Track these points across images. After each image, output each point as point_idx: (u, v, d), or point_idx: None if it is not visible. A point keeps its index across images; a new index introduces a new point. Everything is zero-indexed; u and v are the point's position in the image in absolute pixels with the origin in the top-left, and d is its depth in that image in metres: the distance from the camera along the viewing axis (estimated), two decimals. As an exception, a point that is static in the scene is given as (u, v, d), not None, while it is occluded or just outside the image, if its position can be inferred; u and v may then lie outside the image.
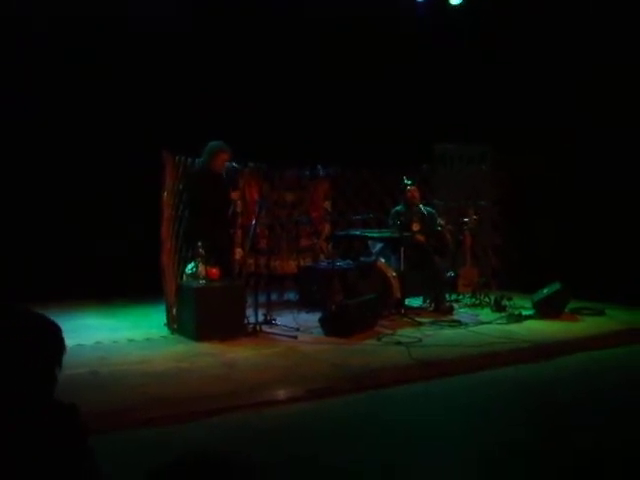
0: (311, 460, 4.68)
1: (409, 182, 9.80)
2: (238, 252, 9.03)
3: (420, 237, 9.55)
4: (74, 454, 2.06)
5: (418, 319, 8.81)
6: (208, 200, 8.19)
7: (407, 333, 8.09)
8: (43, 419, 2.04)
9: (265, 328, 8.16)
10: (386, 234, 9.69)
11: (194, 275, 8.15)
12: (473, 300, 10.10)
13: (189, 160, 8.78)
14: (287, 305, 9.70)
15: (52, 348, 2.14)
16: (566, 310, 9.26)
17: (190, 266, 8.39)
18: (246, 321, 8.11)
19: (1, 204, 9.48)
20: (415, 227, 9.54)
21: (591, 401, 6.00)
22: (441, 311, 9.40)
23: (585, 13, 10.04)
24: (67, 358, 2.22)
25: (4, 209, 9.46)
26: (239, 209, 9.55)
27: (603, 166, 10.10)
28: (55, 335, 2.16)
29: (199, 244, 8.13)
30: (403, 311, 8.98)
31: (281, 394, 5.99)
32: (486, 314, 9.38)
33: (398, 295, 9.12)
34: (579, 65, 10.31)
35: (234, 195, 8.40)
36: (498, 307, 9.48)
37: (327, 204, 11.10)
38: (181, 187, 8.62)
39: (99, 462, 2.14)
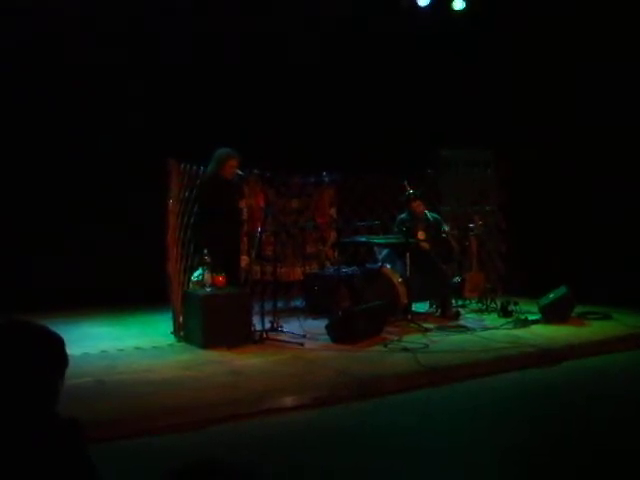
0: (317, 468, 4.67)
1: (412, 193, 9.72)
2: (244, 259, 9.04)
3: (425, 245, 9.54)
4: (75, 469, 2.05)
5: (424, 325, 8.80)
6: (219, 207, 8.22)
7: (414, 339, 8.07)
8: (44, 434, 2.03)
9: (272, 335, 8.15)
10: (392, 240, 9.68)
11: (200, 283, 8.17)
12: (479, 305, 10.08)
13: (194, 168, 8.80)
14: (293, 312, 9.68)
15: (54, 362, 2.12)
16: (573, 314, 9.23)
17: (196, 273, 8.40)
18: (253, 328, 8.11)
19: (5, 212, 9.50)
20: (421, 235, 9.51)
21: (598, 406, 5.99)
22: (447, 317, 9.38)
23: (587, 16, 10.04)
24: (73, 367, 2.22)
25: (9, 218, 9.49)
26: (244, 216, 9.56)
27: (609, 170, 10.09)
28: (58, 348, 2.15)
29: (205, 251, 8.15)
30: (409, 317, 8.95)
31: (287, 401, 5.99)
32: (492, 319, 9.35)
33: (404, 301, 9.10)
34: (582, 68, 10.31)
35: (242, 204, 8.40)
36: (504, 312, 9.45)
37: (333, 211, 11.09)
38: (187, 194, 8.64)
39: (103, 474, 2.13)
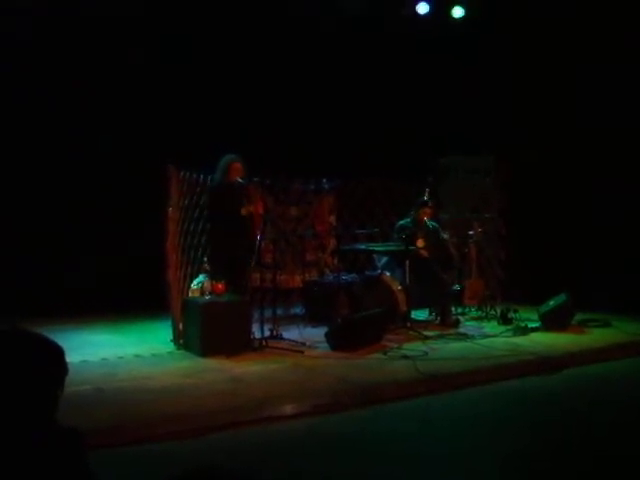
0: (317, 475, 4.67)
1: (427, 200, 9.74)
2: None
3: (424, 252, 9.53)
4: (75, 477, 2.04)
5: (424, 332, 8.79)
6: (229, 213, 8.23)
7: (413, 347, 8.06)
8: (43, 444, 2.02)
9: (271, 343, 8.13)
10: (391, 247, 9.68)
11: (200, 290, 8.17)
12: (479, 313, 10.08)
13: (194, 175, 8.82)
14: (293, 320, 9.67)
15: (54, 371, 2.12)
16: (573, 322, 9.22)
17: (196, 281, 8.41)
18: (252, 336, 8.10)
19: (5, 219, 9.50)
20: (420, 243, 9.50)
21: (598, 413, 5.98)
22: (447, 324, 9.37)
23: (586, 19, 10.06)
24: (73, 374, 2.22)
25: (9, 225, 9.48)
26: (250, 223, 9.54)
27: (609, 174, 10.09)
28: (57, 357, 2.14)
29: (205, 259, 8.16)
30: (409, 324, 8.95)
31: (287, 409, 5.97)
32: (492, 327, 9.35)
33: (404, 308, 9.10)
34: (581, 72, 10.31)
35: (243, 211, 8.38)
36: (504, 320, 9.45)
37: (332, 218, 11.09)
38: (186, 202, 8.67)
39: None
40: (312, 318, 9.60)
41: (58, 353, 2.15)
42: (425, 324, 9.44)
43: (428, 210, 9.74)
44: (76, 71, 9.97)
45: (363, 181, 10.86)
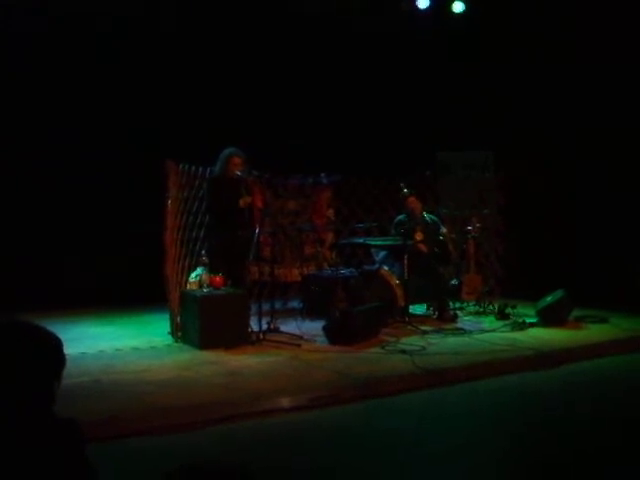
0: (314, 469, 4.67)
1: (407, 192, 9.74)
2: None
3: (422, 246, 9.54)
4: (73, 469, 2.05)
5: (422, 327, 8.80)
6: (227, 206, 8.23)
7: (411, 341, 8.07)
8: (41, 434, 2.03)
9: (269, 336, 8.13)
10: (389, 242, 9.68)
11: (198, 283, 8.17)
12: (477, 308, 10.08)
13: (192, 168, 8.82)
14: (291, 313, 9.68)
15: (52, 362, 2.12)
16: (570, 318, 9.23)
17: (194, 274, 8.41)
18: (250, 329, 8.10)
19: (2, 212, 9.49)
20: (418, 237, 9.51)
21: (595, 409, 5.99)
22: (445, 319, 9.38)
23: (586, 16, 10.04)
24: (70, 367, 2.22)
25: (5, 217, 9.47)
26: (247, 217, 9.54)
27: (606, 173, 10.09)
28: (55, 349, 2.14)
29: (203, 252, 8.15)
30: (407, 319, 8.96)
31: (284, 403, 5.98)
32: (490, 322, 9.36)
33: (402, 303, 9.10)
34: (581, 70, 10.30)
35: (242, 202, 8.37)
36: (502, 315, 9.45)
37: (330, 212, 11.09)
38: (185, 194, 8.69)
39: (99, 474, 2.13)
40: (310, 312, 9.60)
41: (56, 345, 2.15)
42: (423, 319, 9.46)
43: (413, 198, 9.72)
44: (75, 66, 9.95)
45: (361, 178, 10.86)
